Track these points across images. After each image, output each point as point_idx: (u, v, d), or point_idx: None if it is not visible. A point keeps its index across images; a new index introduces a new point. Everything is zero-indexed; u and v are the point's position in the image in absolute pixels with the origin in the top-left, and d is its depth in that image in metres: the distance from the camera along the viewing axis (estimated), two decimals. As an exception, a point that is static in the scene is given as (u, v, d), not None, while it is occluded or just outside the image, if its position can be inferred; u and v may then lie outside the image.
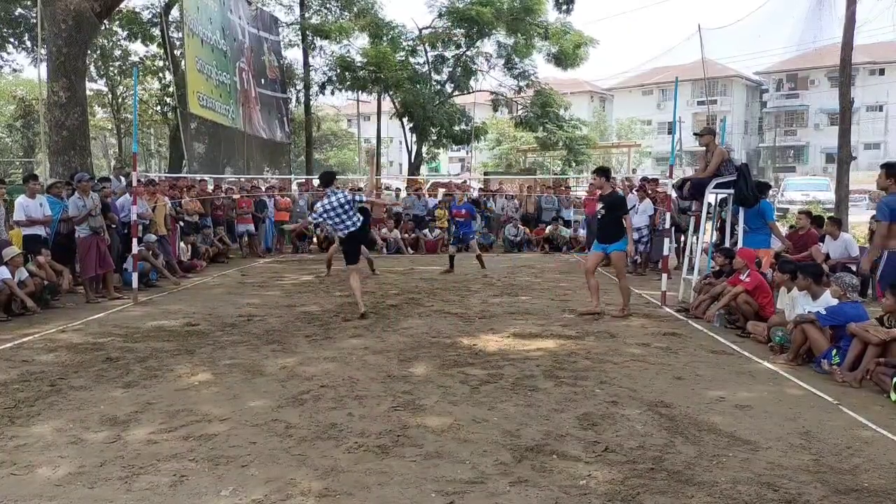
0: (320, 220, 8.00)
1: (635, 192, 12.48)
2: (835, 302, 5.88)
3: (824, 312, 5.80)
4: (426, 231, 16.23)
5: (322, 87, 24.86)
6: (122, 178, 12.09)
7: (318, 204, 8.06)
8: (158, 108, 29.94)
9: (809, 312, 5.90)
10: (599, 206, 8.01)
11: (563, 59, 24.05)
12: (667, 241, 9.62)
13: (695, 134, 9.78)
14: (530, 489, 3.38)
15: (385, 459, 3.73)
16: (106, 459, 3.71)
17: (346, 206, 7.80)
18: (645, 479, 3.51)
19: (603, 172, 8.20)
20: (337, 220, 7.84)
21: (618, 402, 4.75)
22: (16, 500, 3.26)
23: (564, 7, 22.49)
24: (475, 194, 19.51)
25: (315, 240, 16.09)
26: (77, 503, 3.24)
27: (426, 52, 24.98)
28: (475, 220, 12.56)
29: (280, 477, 3.50)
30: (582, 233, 16.19)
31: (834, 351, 5.56)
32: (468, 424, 4.27)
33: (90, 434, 4.09)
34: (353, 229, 7.87)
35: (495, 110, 27.78)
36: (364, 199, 8.16)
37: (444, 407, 4.61)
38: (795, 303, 6.39)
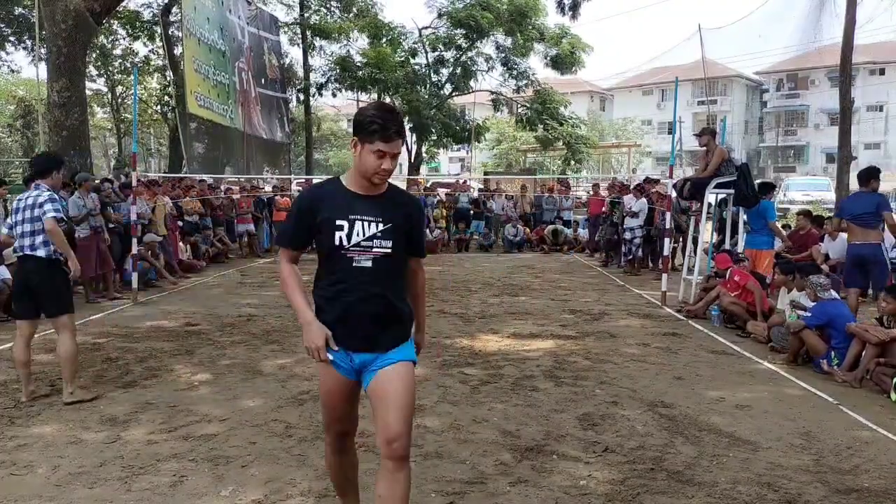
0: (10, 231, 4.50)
1: (630, 195, 12.41)
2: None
3: (809, 315, 5.82)
4: (426, 231, 16.20)
5: (320, 87, 24.84)
6: (123, 178, 12.09)
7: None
8: (158, 108, 29.95)
9: (799, 318, 5.89)
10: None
11: (561, 63, 23.96)
12: (667, 241, 9.60)
13: (695, 134, 9.76)
14: (530, 489, 3.38)
15: (385, 459, 3.72)
16: (106, 459, 3.71)
17: (30, 213, 4.57)
18: (645, 479, 3.51)
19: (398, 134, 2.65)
20: (19, 231, 4.63)
21: (618, 402, 4.75)
22: (16, 500, 3.26)
23: (570, 13, 21.44)
24: (475, 194, 19.48)
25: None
26: (77, 503, 3.24)
27: (426, 52, 24.99)
28: None
29: (280, 477, 3.50)
30: (582, 233, 16.18)
31: (833, 353, 5.56)
32: (468, 424, 4.27)
33: (90, 434, 4.09)
34: (29, 253, 4.56)
35: (496, 110, 27.74)
36: (54, 211, 4.54)
37: (444, 407, 4.61)
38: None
